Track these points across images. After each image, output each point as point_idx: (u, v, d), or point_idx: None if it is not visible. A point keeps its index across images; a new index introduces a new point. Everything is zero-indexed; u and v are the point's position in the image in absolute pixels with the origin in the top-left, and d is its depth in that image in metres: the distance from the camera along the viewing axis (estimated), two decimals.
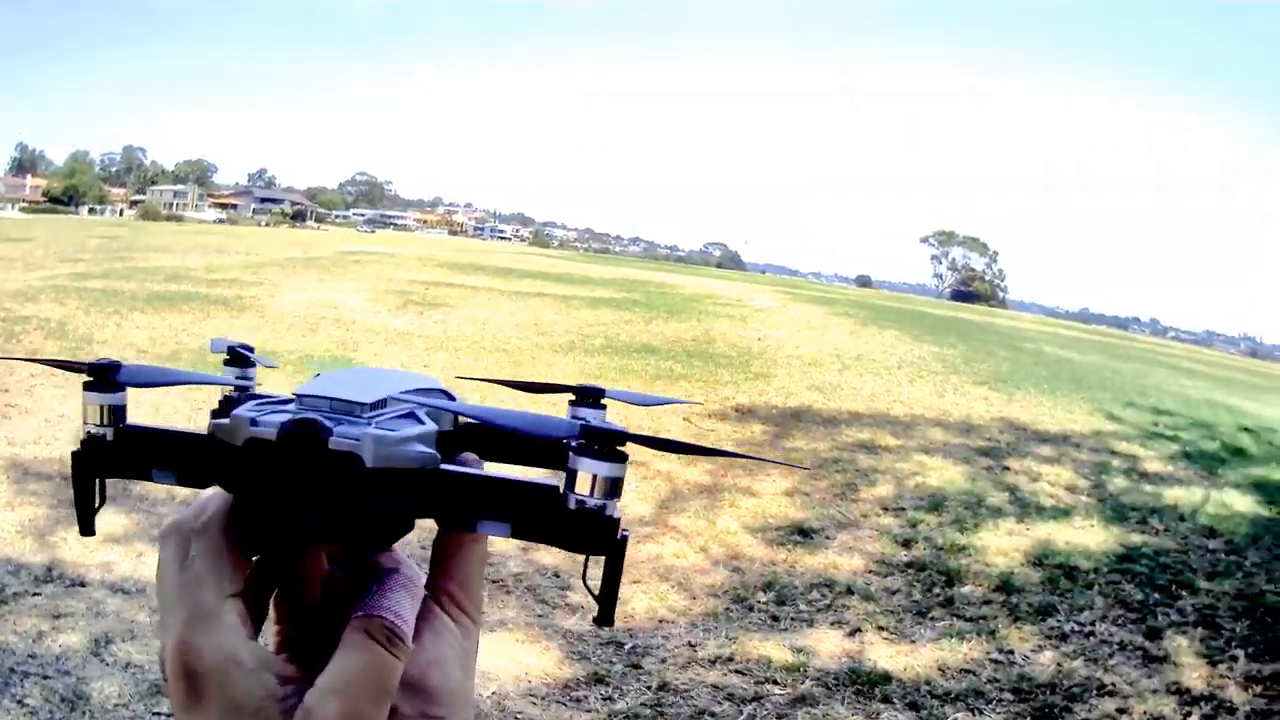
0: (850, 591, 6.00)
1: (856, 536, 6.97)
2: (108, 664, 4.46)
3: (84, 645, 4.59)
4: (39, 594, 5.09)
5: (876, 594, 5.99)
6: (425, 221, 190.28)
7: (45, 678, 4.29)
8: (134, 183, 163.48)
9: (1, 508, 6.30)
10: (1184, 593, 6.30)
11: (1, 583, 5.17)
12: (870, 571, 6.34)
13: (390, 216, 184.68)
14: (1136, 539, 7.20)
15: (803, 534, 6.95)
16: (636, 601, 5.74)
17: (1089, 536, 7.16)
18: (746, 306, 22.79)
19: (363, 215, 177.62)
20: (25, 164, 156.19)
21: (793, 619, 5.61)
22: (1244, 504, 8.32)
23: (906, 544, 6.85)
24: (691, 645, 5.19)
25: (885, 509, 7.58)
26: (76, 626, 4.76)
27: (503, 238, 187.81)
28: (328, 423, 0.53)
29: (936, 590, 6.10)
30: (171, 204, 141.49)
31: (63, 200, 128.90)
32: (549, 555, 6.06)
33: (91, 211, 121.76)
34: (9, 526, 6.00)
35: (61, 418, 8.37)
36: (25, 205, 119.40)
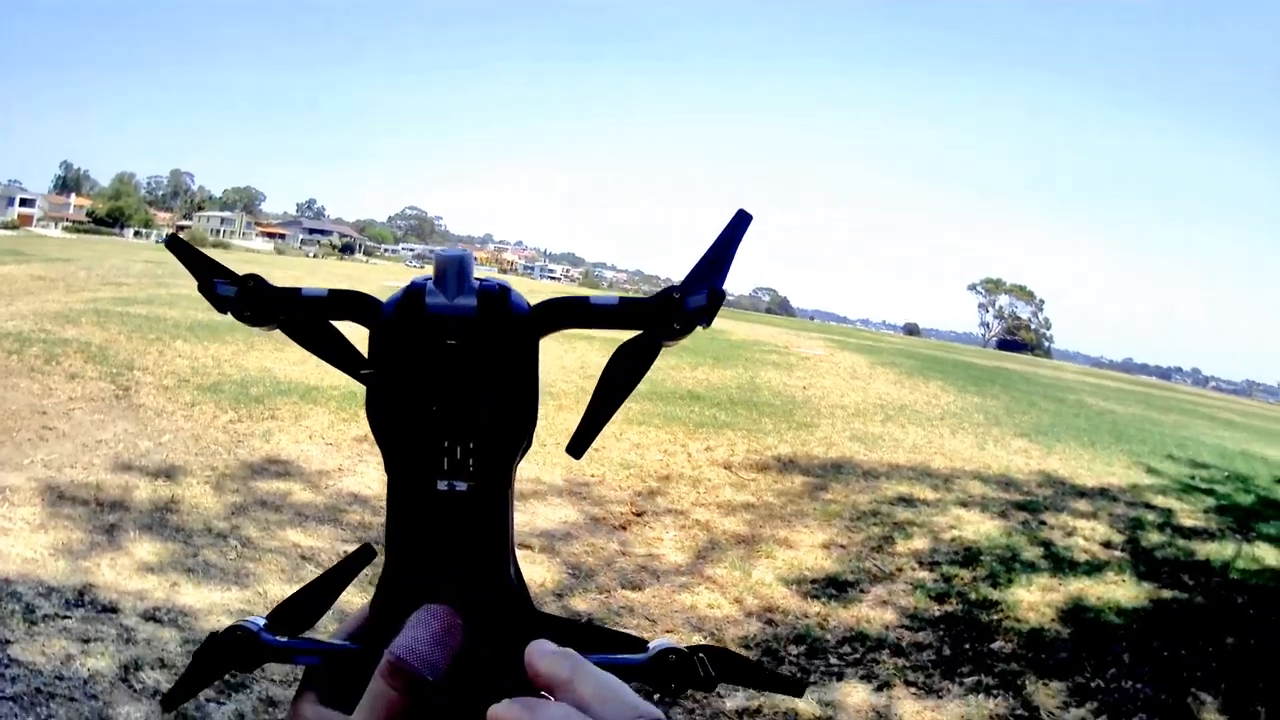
0: (881, 645, 6.10)
1: (890, 590, 7.07)
2: (135, 691, 4.52)
3: (112, 671, 4.64)
4: (69, 617, 5.14)
5: (907, 648, 6.09)
6: (475, 259, 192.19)
7: (71, 700, 4.36)
8: (180, 207, 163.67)
9: (35, 529, 6.40)
10: (1211, 648, 6.36)
11: (32, 604, 5.24)
12: (902, 626, 6.43)
13: (439, 252, 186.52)
14: (1167, 594, 7.26)
15: (837, 587, 7.05)
16: None
17: (1120, 592, 7.21)
18: (793, 354, 22.82)
19: (412, 250, 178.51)
20: (69, 183, 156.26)
21: (823, 672, 5.72)
22: (1275, 557, 8.35)
23: (940, 598, 6.93)
24: (720, 695, 5.28)
25: (920, 563, 7.66)
26: (106, 652, 4.80)
27: (553, 278, 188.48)
28: None
29: (967, 645, 6.19)
30: (218, 231, 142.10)
31: (107, 222, 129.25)
32: (583, 604, 6.21)
33: (136, 235, 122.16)
34: (42, 548, 6.09)
35: (99, 443, 8.53)
36: (69, 225, 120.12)
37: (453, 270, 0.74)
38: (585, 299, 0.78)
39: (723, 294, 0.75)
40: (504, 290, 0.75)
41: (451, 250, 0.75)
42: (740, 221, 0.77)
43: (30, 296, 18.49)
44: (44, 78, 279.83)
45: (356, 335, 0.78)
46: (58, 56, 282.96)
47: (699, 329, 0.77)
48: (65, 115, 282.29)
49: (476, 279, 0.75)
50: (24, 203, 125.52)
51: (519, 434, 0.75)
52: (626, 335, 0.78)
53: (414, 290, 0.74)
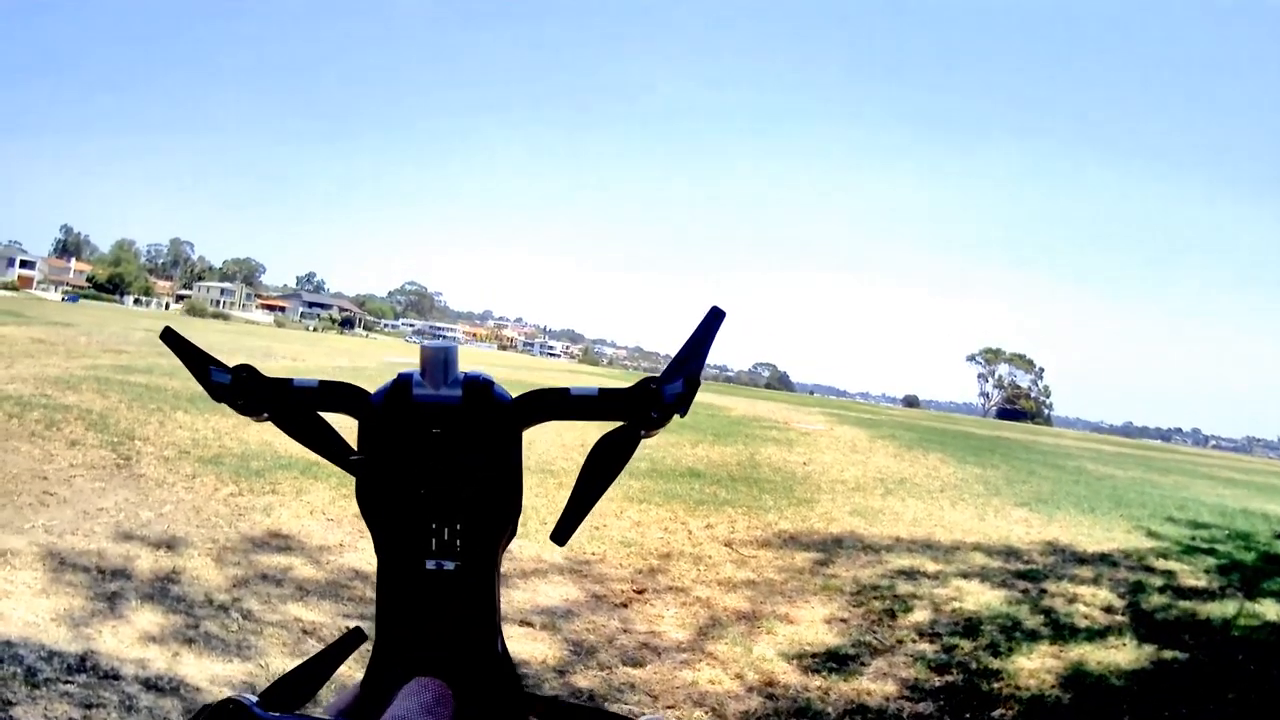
0: (882, 717, 6.08)
1: (891, 663, 7.04)
2: None
3: None
4: (71, 682, 5.12)
5: (908, 719, 6.08)
6: (475, 335, 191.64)
7: None
8: (180, 276, 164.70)
9: (37, 594, 6.38)
10: (1214, 707, 6.35)
11: (34, 667, 5.22)
12: (903, 697, 6.41)
13: (439, 328, 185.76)
14: (1169, 655, 7.24)
15: (838, 661, 7.02)
16: None
17: (1122, 656, 7.19)
18: (793, 430, 22.85)
19: (411, 325, 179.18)
20: (69, 247, 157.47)
21: None
22: (1277, 613, 8.34)
23: (941, 669, 6.91)
24: None
25: (921, 635, 7.65)
26: (108, 719, 4.80)
27: (552, 354, 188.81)
28: None
29: (968, 715, 6.18)
30: (219, 301, 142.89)
31: (107, 288, 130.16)
32: (585, 680, 6.20)
33: (137, 302, 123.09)
34: (44, 613, 6.07)
35: (100, 511, 8.54)
36: (69, 289, 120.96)
37: (438, 361, 0.79)
38: (565, 390, 0.83)
39: (698, 382, 0.80)
40: (487, 382, 0.79)
41: (438, 343, 0.79)
42: (714, 318, 0.82)
43: (30, 360, 18.60)
44: (47, 141, 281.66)
45: (345, 425, 0.83)
46: (61, 120, 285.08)
47: (678, 417, 0.81)
48: (67, 179, 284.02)
49: (461, 371, 0.80)
50: (24, 264, 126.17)
51: (503, 517, 0.78)
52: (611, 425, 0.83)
53: (401, 381, 0.79)
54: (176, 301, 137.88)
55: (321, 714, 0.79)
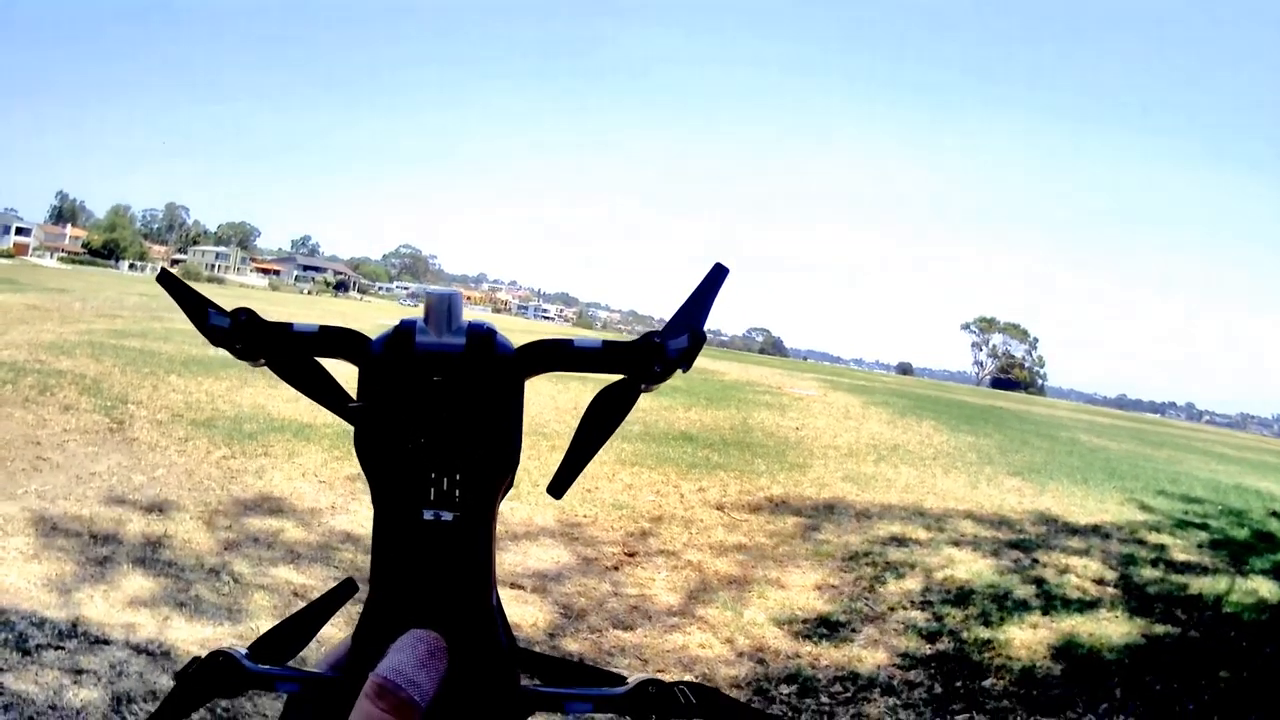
0: (873, 685, 6.09)
1: (882, 630, 7.05)
2: None
3: (104, 702, 4.62)
4: (62, 648, 5.13)
5: (899, 687, 6.08)
6: (469, 298, 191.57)
7: None
8: (175, 241, 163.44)
9: (28, 559, 6.39)
10: (1204, 682, 6.35)
11: (25, 634, 5.23)
12: (894, 665, 6.42)
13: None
14: (1160, 630, 7.25)
15: (829, 627, 7.03)
16: None
17: (1113, 628, 7.20)
18: (786, 395, 22.82)
19: (406, 288, 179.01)
20: (65, 213, 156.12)
21: (814, 711, 5.71)
22: (1269, 590, 8.33)
23: (932, 638, 6.92)
24: None
25: (913, 603, 7.65)
26: (98, 683, 4.79)
27: (546, 317, 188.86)
28: None
29: (959, 684, 6.19)
30: (213, 265, 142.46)
31: (102, 253, 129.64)
32: (574, 645, 6.20)
33: (132, 267, 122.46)
34: (35, 579, 6.08)
35: (93, 475, 8.54)
36: (64, 255, 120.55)
37: (442, 309, 0.77)
38: (569, 341, 0.81)
39: (703, 337, 0.78)
40: (490, 331, 0.77)
41: (441, 289, 0.77)
42: (717, 274, 0.80)
43: (25, 326, 18.58)
44: (41, 107, 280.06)
45: (344, 373, 0.80)
46: (55, 86, 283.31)
47: (680, 372, 0.80)
48: (62, 145, 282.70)
49: (465, 320, 0.78)
50: (20, 231, 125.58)
51: (502, 467, 0.77)
52: (611, 378, 0.81)
53: (404, 328, 0.77)
54: (171, 266, 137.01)
55: (312, 666, 0.77)
